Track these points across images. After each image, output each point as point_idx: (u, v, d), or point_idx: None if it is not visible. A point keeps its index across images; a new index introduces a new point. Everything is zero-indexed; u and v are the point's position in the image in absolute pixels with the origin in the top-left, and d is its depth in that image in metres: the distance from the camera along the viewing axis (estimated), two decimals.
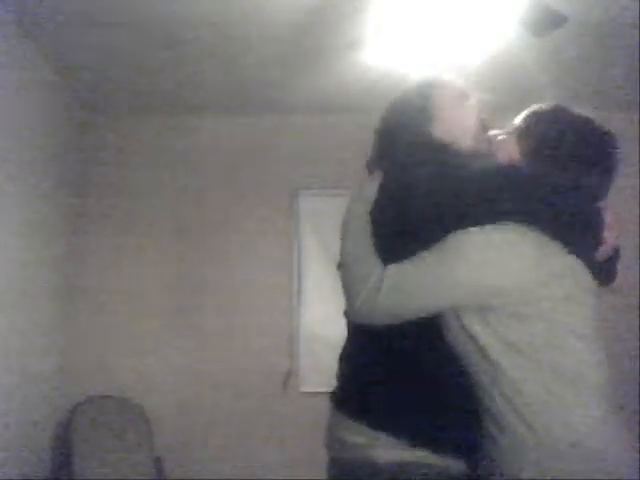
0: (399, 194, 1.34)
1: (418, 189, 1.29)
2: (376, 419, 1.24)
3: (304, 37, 3.10)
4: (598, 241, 1.29)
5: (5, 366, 2.91)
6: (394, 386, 1.27)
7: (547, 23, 2.59)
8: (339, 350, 1.50)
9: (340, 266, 1.38)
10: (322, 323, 3.74)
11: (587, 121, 1.41)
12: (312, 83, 3.57)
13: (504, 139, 1.46)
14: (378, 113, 1.54)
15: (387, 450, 1.21)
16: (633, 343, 3.74)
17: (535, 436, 1.16)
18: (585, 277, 1.29)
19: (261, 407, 3.79)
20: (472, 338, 1.24)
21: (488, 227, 1.23)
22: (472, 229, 1.23)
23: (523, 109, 1.48)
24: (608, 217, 1.31)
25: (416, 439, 1.21)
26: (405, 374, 1.28)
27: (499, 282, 1.22)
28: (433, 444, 1.21)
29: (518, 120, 1.46)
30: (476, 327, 1.24)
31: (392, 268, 1.28)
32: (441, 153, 1.39)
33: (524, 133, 1.41)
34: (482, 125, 1.50)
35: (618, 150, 1.39)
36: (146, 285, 3.91)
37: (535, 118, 1.43)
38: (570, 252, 1.25)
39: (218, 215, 4.00)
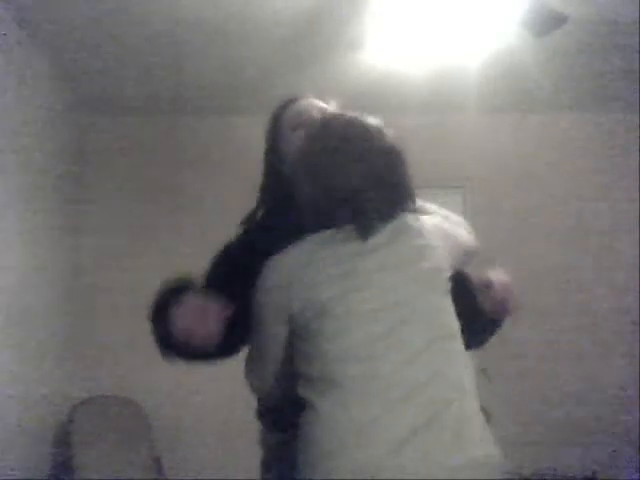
0: None
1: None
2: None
3: (304, 37, 3.10)
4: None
5: (5, 366, 2.91)
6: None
7: (547, 23, 2.59)
8: None
9: None
10: None
11: (345, 119, 1.46)
12: (312, 83, 3.57)
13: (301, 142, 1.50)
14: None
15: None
16: (633, 343, 3.74)
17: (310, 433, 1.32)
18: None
19: None
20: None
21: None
22: None
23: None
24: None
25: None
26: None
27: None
28: None
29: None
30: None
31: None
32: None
33: (311, 137, 1.47)
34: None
35: (378, 140, 1.39)
36: (146, 285, 3.90)
37: (319, 123, 1.49)
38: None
39: (218, 215, 3.99)
